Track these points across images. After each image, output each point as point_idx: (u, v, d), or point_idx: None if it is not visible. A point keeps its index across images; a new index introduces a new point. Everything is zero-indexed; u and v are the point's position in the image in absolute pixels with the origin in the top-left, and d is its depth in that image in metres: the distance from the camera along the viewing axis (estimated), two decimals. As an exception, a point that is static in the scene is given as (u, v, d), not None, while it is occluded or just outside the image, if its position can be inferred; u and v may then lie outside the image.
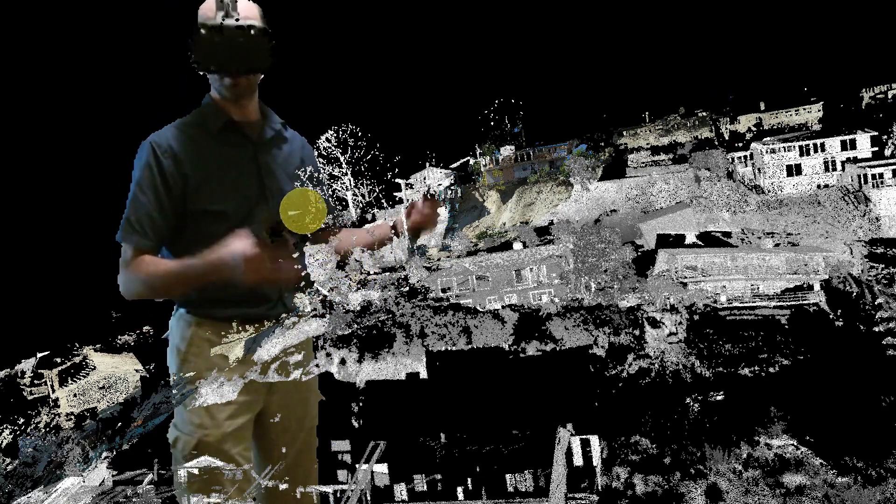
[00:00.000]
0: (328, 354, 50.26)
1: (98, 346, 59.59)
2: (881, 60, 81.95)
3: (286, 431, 3.28)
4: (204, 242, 2.77)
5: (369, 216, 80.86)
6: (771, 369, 41.42)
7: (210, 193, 2.88)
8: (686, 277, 49.32)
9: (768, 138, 68.69)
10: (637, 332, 43.50)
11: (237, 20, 2.79)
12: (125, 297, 2.88)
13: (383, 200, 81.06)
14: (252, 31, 2.80)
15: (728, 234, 61.57)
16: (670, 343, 42.45)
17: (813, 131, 71.16)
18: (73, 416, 49.99)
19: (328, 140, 79.62)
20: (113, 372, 51.88)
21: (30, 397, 51.27)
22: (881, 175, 59.03)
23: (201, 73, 2.93)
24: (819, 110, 79.78)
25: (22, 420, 49.82)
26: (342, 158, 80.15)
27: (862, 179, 59.92)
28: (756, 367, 41.70)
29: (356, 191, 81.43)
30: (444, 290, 49.09)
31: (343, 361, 49.24)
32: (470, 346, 45.23)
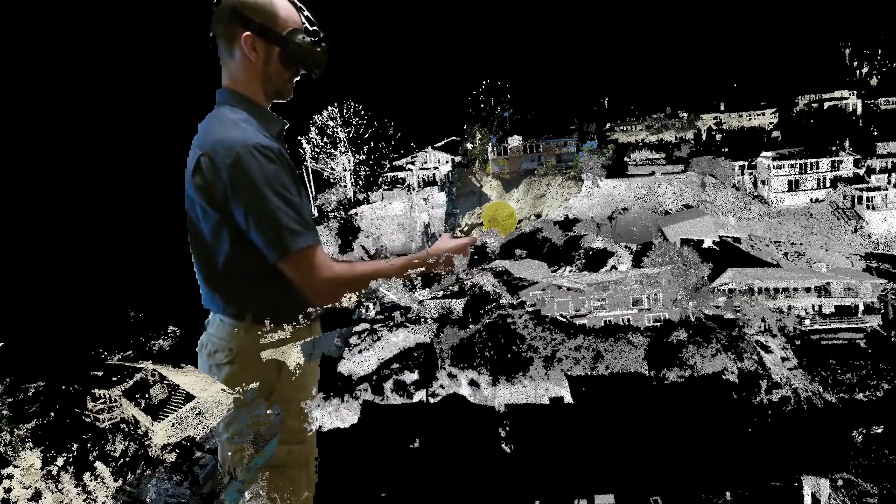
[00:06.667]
0: (452, 376, 48.79)
1: (131, 353, 52.55)
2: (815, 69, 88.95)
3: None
4: None
5: (367, 196, 77.32)
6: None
7: (302, 195, 2.90)
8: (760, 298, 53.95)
9: (769, 152, 74.72)
10: (756, 357, 47.37)
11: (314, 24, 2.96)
12: (324, 303, 2.84)
13: (382, 182, 77.72)
14: (322, 34, 2.93)
15: (738, 240, 67.48)
16: (789, 369, 46.64)
17: (803, 150, 77.42)
18: (172, 449, 44.12)
19: (330, 117, 74.52)
20: (195, 392, 46.13)
21: (103, 425, 44.20)
22: (870, 198, 66.93)
23: (293, 71, 2.97)
24: (773, 114, 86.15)
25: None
26: (342, 136, 75.53)
27: (856, 200, 67.94)
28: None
29: (354, 168, 77.23)
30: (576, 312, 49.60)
31: (474, 383, 48.40)
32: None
